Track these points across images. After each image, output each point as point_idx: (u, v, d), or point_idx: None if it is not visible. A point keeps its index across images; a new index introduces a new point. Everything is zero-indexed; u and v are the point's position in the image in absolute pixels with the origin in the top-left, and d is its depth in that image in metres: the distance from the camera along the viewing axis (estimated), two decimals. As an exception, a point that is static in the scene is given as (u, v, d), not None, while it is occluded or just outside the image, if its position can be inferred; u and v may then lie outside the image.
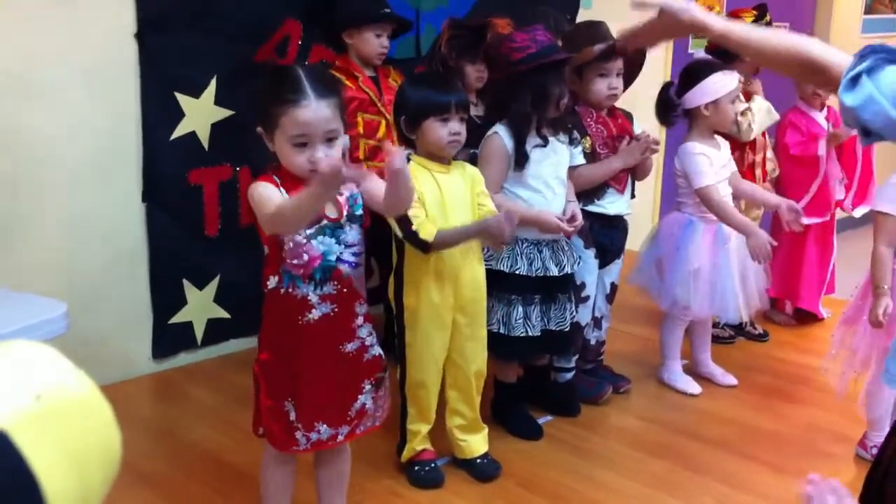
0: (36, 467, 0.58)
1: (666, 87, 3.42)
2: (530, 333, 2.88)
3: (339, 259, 2.05)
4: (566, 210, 2.92)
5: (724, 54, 3.78)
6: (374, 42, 3.26)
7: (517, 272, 2.85)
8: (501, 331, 2.86)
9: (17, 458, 0.57)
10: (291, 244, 2.01)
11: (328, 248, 2.03)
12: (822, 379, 3.29)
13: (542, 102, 2.81)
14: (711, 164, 3.30)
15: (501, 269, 2.84)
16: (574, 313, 3.05)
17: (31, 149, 3.06)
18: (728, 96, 3.33)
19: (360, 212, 2.09)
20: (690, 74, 3.39)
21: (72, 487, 0.60)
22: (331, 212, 2.05)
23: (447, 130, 2.55)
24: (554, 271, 2.90)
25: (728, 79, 3.33)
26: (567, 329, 2.99)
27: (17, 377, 0.61)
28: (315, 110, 1.95)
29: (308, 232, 2.01)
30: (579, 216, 2.93)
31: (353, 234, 2.07)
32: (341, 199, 2.06)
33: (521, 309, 2.87)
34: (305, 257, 2.02)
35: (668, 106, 3.38)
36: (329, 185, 1.81)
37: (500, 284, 2.84)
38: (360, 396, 2.18)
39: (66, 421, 0.62)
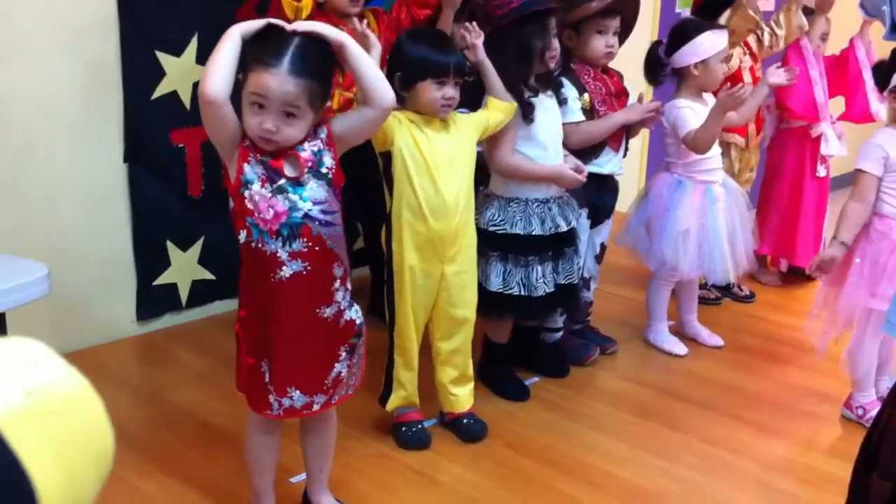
0: (28, 464, 0.57)
1: (654, 46, 3.39)
2: (547, 291, 2.90)
3: (306, 216, 2.01)
4: (569, 164, 2.92)
5: (711, 14, 3.77)
6: None
7: (533, 233, 2.84)
8: (522, 293, 2.87)
9: (9, 454, 0.57)
10: (257, 197, 1.99)
11: (293, 204, 2.00)
12: (807, 340, 3.30)
13: (524, 56, 2.80)
14: (698, 117, 3.28)
15: (517, 232, 2.84)
16: (580, 264, 3.05)
17: (9, 109, 3.00)
18: (717, 56, 3.30)
19: (325, 168, 2.05)
20: (679, 33, 3.35)
21: (64, 484, 0.60)
22: (290, 171, 2.01)
23: (441, 94, 2.51)
24: (563, 227, 2.91)
25: (718, 38, 3.30)
26: (576, 281, 3.01)
27: (8, 373, 0.61)
28: (280, 82, 1.91)
29: (274, 186, 1.99)
30: (583, 167, 2.93)
31: (319, 191, 2.03)
32: (304, 156, 2.02)
33: (538, 269, 2.87)
34: (271, 212, 2.00)
35: (657, 65, 3.36)
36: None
37: (516, 248, 2.85)
38: (336, 364, 2.15)
39: (58, 417, 0.61)
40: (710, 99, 3.42)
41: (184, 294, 3.58)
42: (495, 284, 2.86)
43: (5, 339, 0.63)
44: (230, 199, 2.05)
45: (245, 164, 1.99)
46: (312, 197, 2.02)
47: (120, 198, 3.34)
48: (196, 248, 3.56)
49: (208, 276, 3.61)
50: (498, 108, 2.69)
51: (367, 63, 2.07)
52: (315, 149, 2.04)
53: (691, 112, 3.27)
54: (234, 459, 2.52)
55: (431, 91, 2.50)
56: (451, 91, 2.52)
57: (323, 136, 2.06)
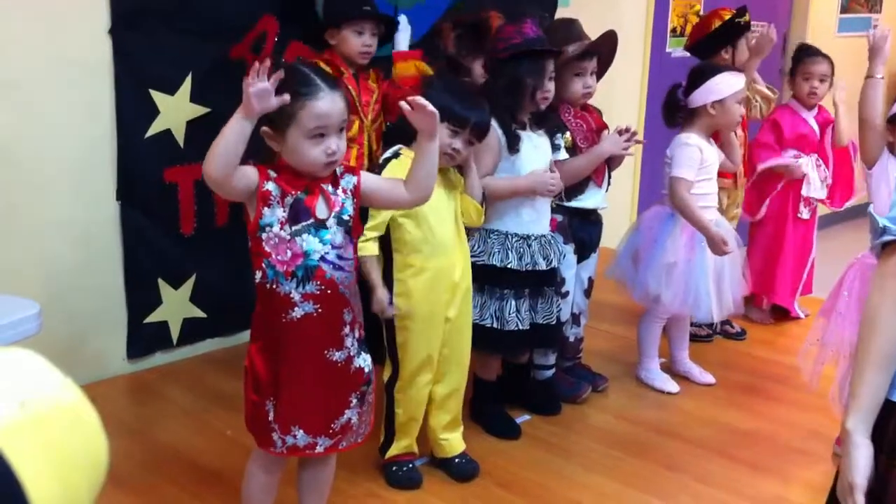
0: (23, 475, 0.57)
1: (675, 89, 3.41)
2: (520, 327, 2.89)
3: (322, 259, 2.04)
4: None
5: (706, 53, 3.82)
6: (355, 41, 3.21)
7: (509, 266, 2.85)
8: (495, 325, 2.87)
9: (4, 466, 0.57)
10: (276, 240, 2.02)
11: (311, 246, 2.03)
12: (799, 377, 3.30)
13: (515, 91, 2.83)
14: (702, 159, 3.29)
15: (494, 263, 2.85)
16: (560, 307, 3.06)
17: (2, 146, 3.01)
18: (734, 96, 3.32)
19: (347, 216, 2.08)
20: (698, 74, 3.38)
21: (58, 495, 0.60)
22: (321, 212, 2.04)
23: (450, 143, 2.52)
24: (542, 265, 2.91)
25: (735, 79, 3.33)
26: (553, 322, 3.01)
27: (2, 385, 0.61)
28: (332, 101, 1.98)
29: (293, 229, 2.02)
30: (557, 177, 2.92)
31: (338, 235, 2.06)
32: (333, 198, 2.06)
33: (513, 303, 2.88)
34: (289, 253, 2.03)
35: (675, 107, 3.38)
36: (255, 106, 1.88)
37: (493, 279, 2.86)
38: (346, 411, 2.16)
39: (52, 428, 0.61)
40: (715, 148, 3.44)
41: (175, 332, 3.56)
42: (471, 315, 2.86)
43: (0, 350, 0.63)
44: (248, 237, 2.07)
45: (265, 208, 2.01)
46: (332, 241, 2.05)
47: (112, 235, 3.34)
48: (188, 286, 3.55)
49: (200, 314, 3.60)
50: (467, 202, 2.68)
51: (435, 158, 2.16)
52: (343, 195, 2.08)
53: (697, 154, 3.28)
54: (222, 499, 2.50)
55: (444, 136, 2.48)
56: (460, 144, 2.54)
57: (351, 185, 2.09)
